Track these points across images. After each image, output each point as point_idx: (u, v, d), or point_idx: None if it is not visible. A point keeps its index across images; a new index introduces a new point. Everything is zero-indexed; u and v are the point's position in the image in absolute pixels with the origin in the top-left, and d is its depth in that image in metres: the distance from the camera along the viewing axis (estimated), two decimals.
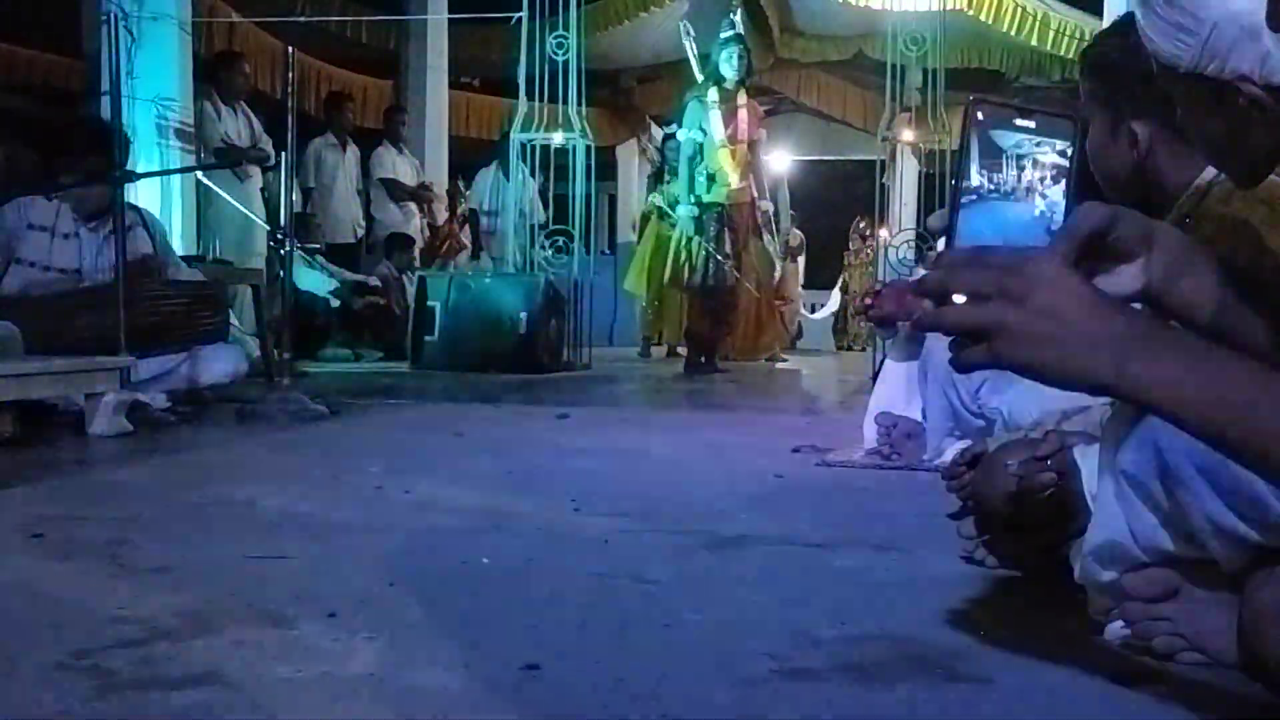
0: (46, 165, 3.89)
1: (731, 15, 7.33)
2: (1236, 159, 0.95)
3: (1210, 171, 1.49)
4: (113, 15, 4.43)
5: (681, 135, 6.98)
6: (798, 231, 12.40)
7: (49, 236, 3.79)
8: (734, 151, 6.81)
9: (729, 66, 6.81)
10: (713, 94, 6.87)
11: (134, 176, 3.84)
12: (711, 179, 6.82)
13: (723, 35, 7.04)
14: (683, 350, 7.60)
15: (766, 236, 7.44)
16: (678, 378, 6.60)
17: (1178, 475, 1.07)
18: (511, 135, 6.92)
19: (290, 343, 3.91)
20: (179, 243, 5.60)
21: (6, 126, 6.42)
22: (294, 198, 4.48)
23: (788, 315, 11.20)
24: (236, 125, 6.66)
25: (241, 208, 5.95)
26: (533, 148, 6.86)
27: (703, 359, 6.92)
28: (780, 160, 12.89)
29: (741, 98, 6.86)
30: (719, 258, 6.77)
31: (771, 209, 7.26)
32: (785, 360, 8.63)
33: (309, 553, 1.70)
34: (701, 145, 6.83)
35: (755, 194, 6.98)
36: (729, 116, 6.81)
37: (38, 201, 3.80)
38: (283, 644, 1.23)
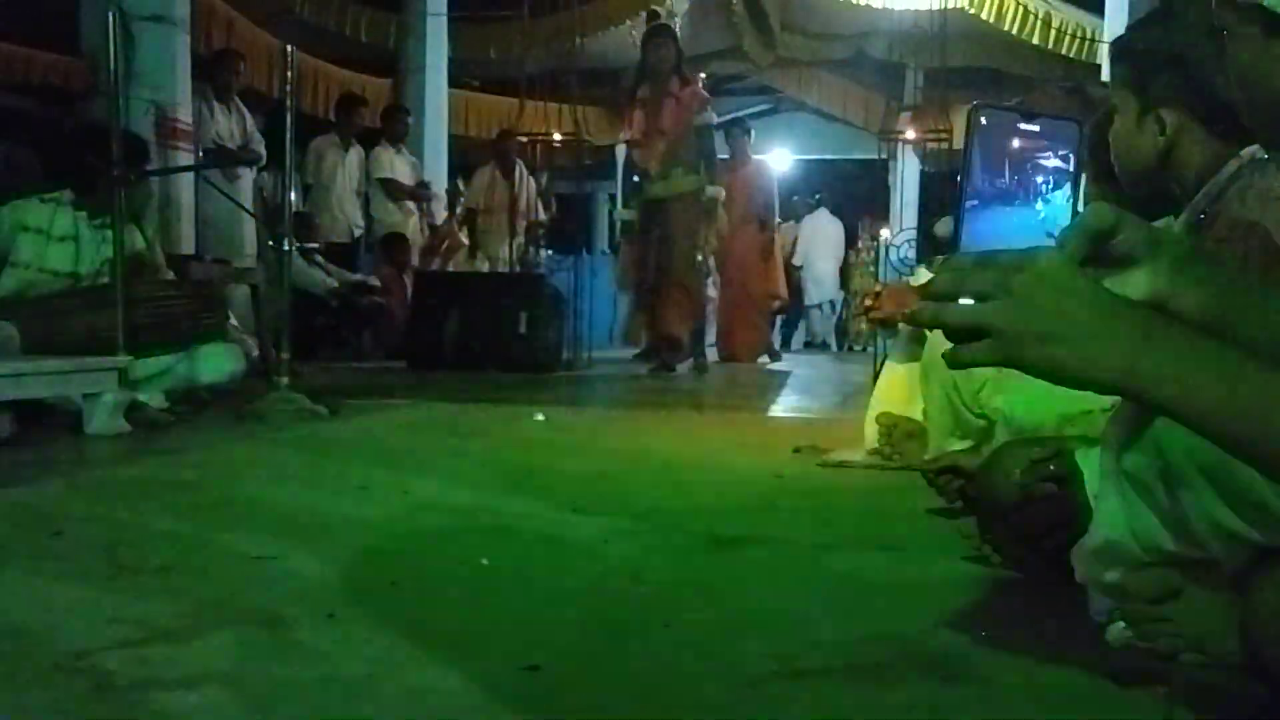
0: (45, 165, 3.88)
1: (732, 14, 7.22)
2: (1269, 108, 0.95)
3: (1229, 168, 1.49)
4: (112, 15, 4.41)
5: (623, 137, 6.78)
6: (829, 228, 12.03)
7: (44, 239, 3.78)
8: (648, 146, 6.56)
9: (654, 57, 6.59)
10: (643, 90, 6.66)
11: (133, 176, 3.83)
12: (643, 177, 6.67)
13: (647, 28, 6.82)
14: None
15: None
16: (678, 378, 6.59)
17: (1179, 475, 1.06)
18: (511, 135, 6.91)
19: (289, 343, 3.91)
20: (180, 243, 5.60)
21: (6, 126, 6.41)
22: (292, 196, 4.48)
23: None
24: (229, 123, 6.63)
25: (239, 205, 5.94)
26: (533, 147, 6.83)
27: (657, 356, 6.74)
28: (780, 159, 12.83)
29: (674, 85, 6.57)
30: (632, 258, 6.62)
31: (721, 195, 6.76)
32: (780, 359, 8.61)
33: (308, 553, 1.69)
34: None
35: (703, 181, 6.58)
36: (655, 108, 6.58)
37: (33, 203, 3.80)
38: (283, 644, 1.22)
